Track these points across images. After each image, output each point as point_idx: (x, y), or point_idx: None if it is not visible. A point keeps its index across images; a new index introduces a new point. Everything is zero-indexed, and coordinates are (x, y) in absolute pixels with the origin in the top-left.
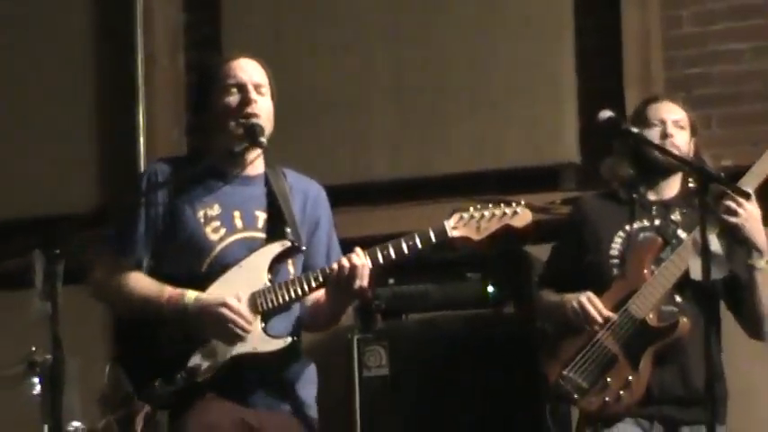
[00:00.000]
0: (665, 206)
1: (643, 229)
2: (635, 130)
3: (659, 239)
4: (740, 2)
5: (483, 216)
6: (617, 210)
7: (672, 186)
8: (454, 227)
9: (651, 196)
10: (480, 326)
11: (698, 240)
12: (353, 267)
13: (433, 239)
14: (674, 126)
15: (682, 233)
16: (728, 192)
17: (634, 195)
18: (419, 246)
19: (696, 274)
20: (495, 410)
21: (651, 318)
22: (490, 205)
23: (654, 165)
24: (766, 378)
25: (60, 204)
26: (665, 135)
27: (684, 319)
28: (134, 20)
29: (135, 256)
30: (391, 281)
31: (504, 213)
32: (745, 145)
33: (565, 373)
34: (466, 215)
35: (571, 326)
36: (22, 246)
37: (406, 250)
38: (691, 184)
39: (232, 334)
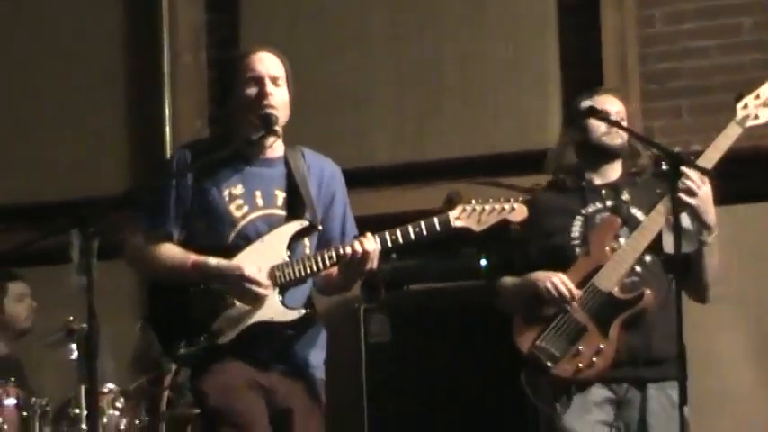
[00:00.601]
0: (613, 188)
1: (598, 210)
2: (617, 117)
3: (617, 219)
4: (708, 3)
5: (484, 210)
6: (568, 198)
7: (615, 169)
8: (457, 218)
9: (597, 180)
10: (473, 296)
11: (670, 217)
12: (365, 252)
13: (438, 228)
14: (615, 116)
15: (634, 210)
16: (687, 174)
17: (582, 183)
18: (424, 233)
19: (668, 247)
20: (487, 372)
21: (617, 290)
22: (490, 200)
23: (599, 150)
24: (729, 342)
25: (94, 188)
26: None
27: (648, 291)
28: (160, 20)
29: (165, 229)
30: (393, 256)
31: (503, 209)
32: (712, 132)
33: (537, 343)
34: (468, 208)
35: (539, 302)
36: (61, 225)
37: (412, 236)
38: (635, 168)
39: (250, 293)
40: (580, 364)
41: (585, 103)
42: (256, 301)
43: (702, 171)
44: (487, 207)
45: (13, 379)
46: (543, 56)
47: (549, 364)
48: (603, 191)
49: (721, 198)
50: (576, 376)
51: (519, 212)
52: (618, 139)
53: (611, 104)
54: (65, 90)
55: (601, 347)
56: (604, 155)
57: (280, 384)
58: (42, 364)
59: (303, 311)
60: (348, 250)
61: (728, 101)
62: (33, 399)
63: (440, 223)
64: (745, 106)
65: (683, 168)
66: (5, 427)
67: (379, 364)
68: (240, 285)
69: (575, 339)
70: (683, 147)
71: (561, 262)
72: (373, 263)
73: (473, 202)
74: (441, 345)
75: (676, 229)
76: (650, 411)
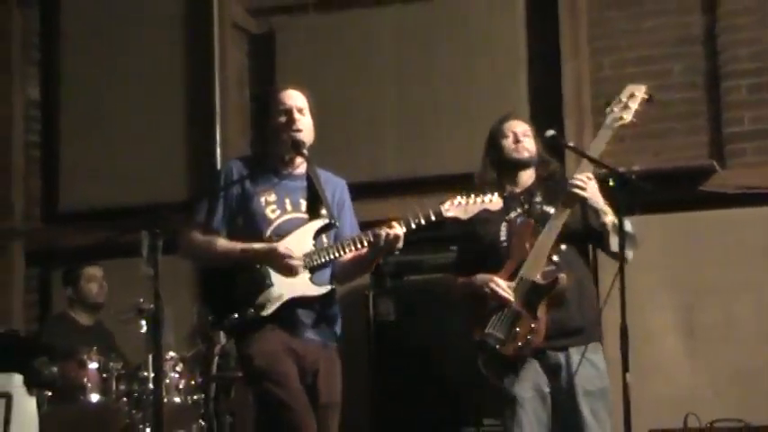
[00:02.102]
0: (529, 192)
1: (518, 215)
2: (571, 144)
3: (530, 221)
4: (645, 53)
5: (468, 202)
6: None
7: (529, 176)
8: (447, 209)
9: (516, 189)
10: None
11: (615, 222)
12: (396, 235)
13: (433, 218)
14: (522, 135)
15: (547, 208)
16: (576, 176)
17: (505, 194)
18: (422, 222)
19: (615, 247)
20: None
21: (539, 278)
22: (473, 194)
23: (511, 164)
24: (663, 320)
25: (159, 195)
26: (516, 141)
27: (562, 275)
28: (213, 64)
29: (216, 226)
30: (397, 252)
31: (483, 200)
32: (649, 155)
33: (486, 331)
34: (456, 201)
35: (484, 299)
36: (133, 226)
37: (423, 222)
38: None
39: (287, 267)
40: (519, 343)
41: (500, 127)
42: (292, 275)
43: (615, 174)
44: (471, 200)
45: (95, 347)
46: (517, 93)
47: (497, 346)
48: (522, 197)
49: (656, 209)
50: (518, 353)
51: (496, 202)
52: (525, 152)
53: (520, 126)
54: (139, 117)
55: (533, 327)
56: (516, 166)
57: (308, 350)
58: (118, 336)
59: (329, 287)
60: (381, 234)
61: (660, 130)
62: (111, 363)
63: (434, 214)
64: (611, 110)
65: (578, 176)
66: (89, 385)
67: (384, 338)
68: (279, 261)
69: (513, 324)
70: (626, 166)
71: (495, 261)
72: (400, 242)
73: (459, 196)
74: (435, 323)
75: (621, 231)
76: (575, 370)
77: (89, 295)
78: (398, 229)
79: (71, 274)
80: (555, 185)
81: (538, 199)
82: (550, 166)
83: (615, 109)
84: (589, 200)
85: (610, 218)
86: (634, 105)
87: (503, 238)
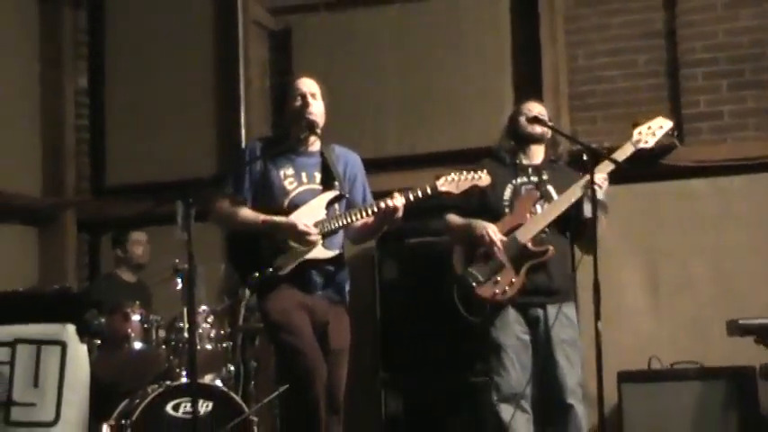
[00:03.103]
0: (536, 169)
1: (524, 183)
2: (551, 123)
3: (537, 192)
4: (613, 46)
5: (460, 179)
6: (505, 170)
7: (539, 155)
8: (442, 185)
9: (525, 161)
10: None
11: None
12: (396, 207)
13: (429, 192)
14: (543, 115)
15: (550, 188)
16: (599, 177)
17: (516, 161)
18: (420, 196)
19: (588, 213)
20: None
21: (530, 244)
22: (464, 172)
23: (526, 138)
24: (629, 278)
25: (191, 171)
26: (535, 121)
27: (551, 248)
28: (238, 58)
29: (242, 197)
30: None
31: (473, 177)
32: (618, 135)
33: (468, 269)
34: (449, 177)
35: (475, 241)
36: (169, 198)
37: (420, 195)
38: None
39: (303, 239)
40: (497, 291)
41: (519, 107)
42: (307, 244)
43: (613, 161)
44: (462, 176)
45: (138, 301)
46: (502, 81)
47: (474, 284)
48: (530, 169)
49: (623, 180)
50: (493, 298)
51: (485, 180)
52: (537, 128)
53: (536, 107)
54: (174, 103)
55: (513, 281)
56: (529, 140)
57: (319, 305)
58: (158, 292)
59: (338, 251)
60: (382, 205)
61: (628, 113)
62: (152, 315)
63: (431, 189)
64: (639, 132)
65: (597, 176)
66: (133, 334)
67: (389, 294)
68: (296, 234)
69: (495, 272)
70: (597, 144)
71: (493, 215)
72: (400, 213)
73: (452, 173)
74: (432, 280)
75: (594, 201)
76: (551, 323)
77: (135, 256)
78: (398, 201)
79: (120, 238)
80: (561, 172)
81: (545, 177)
82: (558, 149)
83: (643, 131)
84: (600, 198)
85: (603, 213)
86: (659, 136)
87: (506, 198)
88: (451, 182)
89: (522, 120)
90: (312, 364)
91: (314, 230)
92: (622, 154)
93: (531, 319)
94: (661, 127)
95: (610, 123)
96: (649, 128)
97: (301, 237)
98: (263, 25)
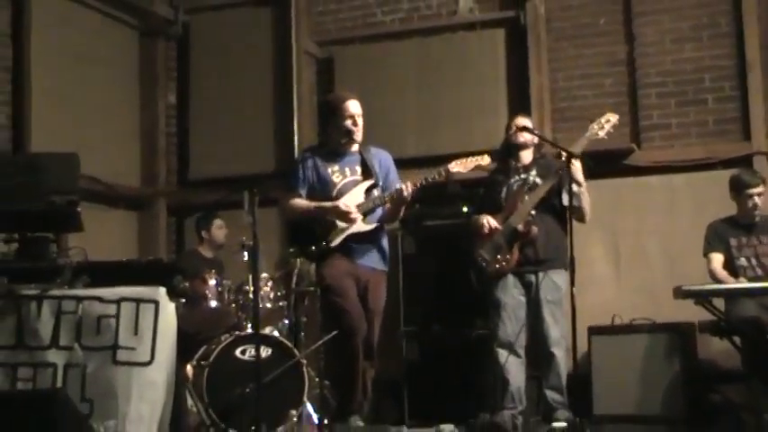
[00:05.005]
0: (526, 168)
1: (516, 181)
2: (537, 132)
3: (524, 186)
4: (585, 71)
5: (467, 161)
6: (502, 176)
7: (528, 157)
8: (453, 166)
9: (517, 164)
10: (462, 227)
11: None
12: (401, 191)
13: (443, 172)
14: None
15: (538, 180)
16: (575, 167)
17: (509, 165)
18: (437, 177)
19: (566, 201)
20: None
21: (520, 227)
22: (470, 157)
23: (517, 146)
24: (596, 251)
25: (255, 168)
26: (524, 130)
27: (534, 227)
28: (291, 80)
29: (299, 190)
30: (417, 205)
31: (477, 159)
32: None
33: (479, 251)
34: (459, 161)
35: (477, 229)
36: (238, 189)
37: (430, 179)
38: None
39: (345, 216)
40: (497, 266)
41: (509, 123)
42: (349, 221)
43: (570, 154)
44: (468, 159)
45: (213, 270)
46: (498, 98)
47: (484, 264)
48: (520, 170)
49: (593, 177)
50: (497, 272)
51: (486, 160)
52: (520, 138)
53: (522, 121)
54: (242, 114)
55: (508, 257)
56: (516, 148)
57: (363, 272)
58: (229, 263)
59: (376, 225)
60: (396, 190)
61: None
62: (224, 281)
63: (444, 169)
64: (593, 127)
65: (573, 164)
66: (209, 295)
67: (409, 265)
68: (340, 213)
69: (496, 251)
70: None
71: (495, 209)
72: (407, 194)
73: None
74: (444, 254)
75: (570, 190)
76: (541, 287)
77: (216, 238)
78: (409, 188)
79: (205, 222)
80: (545, 163)
81: (533, 173)
82: (542, 149)
83: (595, 126)
84: (574, 174)
85: (582, 190)
86: (608, 127)
87: (503, 195)
88: (460, 163)
89: (511, 133)
90: (354, 321)
91: (353, 209)
92: (579, 146)
93: (526, 283)
94: (609, 120)
95: (583, 132)
96: (599, 122)
97: (343, 215)
98: (312, 54)
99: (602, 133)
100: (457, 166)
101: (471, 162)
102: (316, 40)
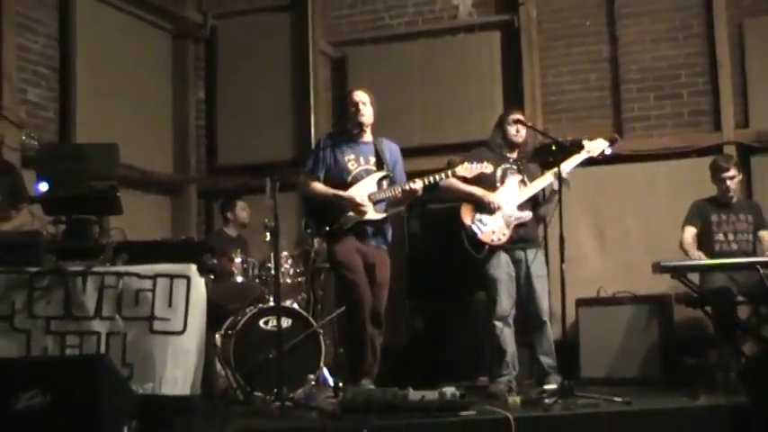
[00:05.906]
0: (514, 161)
1: (508, 168)
2: (530, 124)
3: (520, 175)
4: (573, 68)
5: (472, 167)
6: (495, 156)
7: (515, 153)
8: (460, 171)
9: (508, 154)
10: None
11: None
12: (414, 189)
13: (450, 174)
14: (521, 126)
15: (527, 179)
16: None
17: (503, 153)
18: (443, 177)
19: (555, 186)
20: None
21: (516, 209)
22: (475, 162)
23: (511, 142)
24: (582, 231)
25: (276, 156)
26: (517, 129)
27: (530, 212)
28: (309, 77)
29: (316, 175)
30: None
31: (481, 167)
32: (577, 130)
33: (475, 220)
34: (465, 165)
35: (480, 203)
36: (261, 175)
37: (437, 179)
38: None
39: (358, 209)
40: (492, 239)
41: (506, 116)
42: (361, 213)
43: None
44: (473, 165)
45: (239, 249)
46: (495, 93)
47: (477, 232)
48: (511, 159)
49: (580, 164)
50: (490, 244)
51: (489, 169)
52: (519, 138)
53: (519, 115)
54: (263, 108)
55: (504, 233)
56: (512, 144)
57: (369, 251)
58: (253, 242)
59: (384, 214)
60: (406, 188)
61: (586, 116)
62: (249, 258)
63: (451, 172)
64: (589, 149)
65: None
66: (235, 271)
67: (414, 244)
68: (354, 205)
69: (494, 225)
70: (562, 138)
71: (488, 187)
72: (419, 192)
73: (465, 162)
74: (445, 235)
75: (559, 180)
76: (530, 261)
77: (240, 218)
78: (418, 185)
79: (229, 204)
80: (527, 166)
81: (523, 165)
82: (526, 148)
83: (591, 147)
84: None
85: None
86: (597, 152)
87: (497, 177)
88: (466, 169)
89: (510, 129)
90: (362, 293)
91: (367, 203)
92: (577, 159)
93: (516, 260)
94: (599, 146)
95: (571, 123)
96: (595, 145)
97: (357, 207)
98: (327, 54)
99: (595, 153)
100: (463, 172)
101: (476, 169)
102: (330, 41)
